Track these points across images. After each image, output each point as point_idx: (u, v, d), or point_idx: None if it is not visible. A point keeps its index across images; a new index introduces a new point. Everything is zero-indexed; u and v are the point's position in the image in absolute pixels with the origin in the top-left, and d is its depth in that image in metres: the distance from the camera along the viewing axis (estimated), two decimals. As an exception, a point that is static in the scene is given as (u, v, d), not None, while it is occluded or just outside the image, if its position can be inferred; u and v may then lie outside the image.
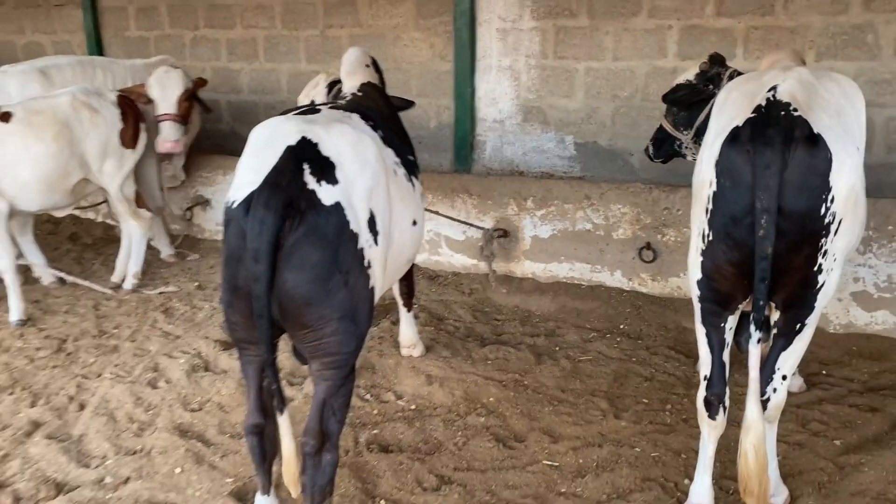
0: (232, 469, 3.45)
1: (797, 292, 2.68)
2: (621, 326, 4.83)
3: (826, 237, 2.58)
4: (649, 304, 5.00)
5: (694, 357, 3.85)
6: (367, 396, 4.08)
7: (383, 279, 2.94)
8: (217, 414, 3.91)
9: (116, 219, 5.71)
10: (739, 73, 3.81)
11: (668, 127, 4.23)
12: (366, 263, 2.71)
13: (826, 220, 2.56)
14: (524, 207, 5.43)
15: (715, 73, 3.99)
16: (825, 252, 2.61)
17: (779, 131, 2.52)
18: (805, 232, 2.56)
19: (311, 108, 3.17)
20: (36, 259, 5.61)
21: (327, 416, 2.71)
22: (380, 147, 3.00)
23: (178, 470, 3.45)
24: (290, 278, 2.50)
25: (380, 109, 3.70)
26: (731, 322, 2.83)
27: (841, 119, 2.67)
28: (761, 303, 2.54)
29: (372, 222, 2.75)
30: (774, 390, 2.83)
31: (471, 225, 5.54)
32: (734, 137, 2.63)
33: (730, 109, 2.78)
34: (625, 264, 5.18)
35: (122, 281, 5.58)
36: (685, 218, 4.89)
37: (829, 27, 5.08)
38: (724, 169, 2.64)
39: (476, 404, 3.97)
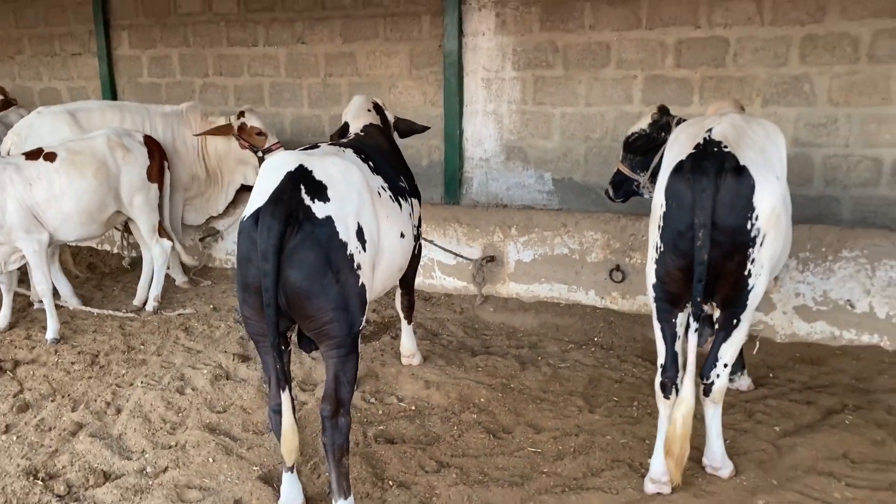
0: (258, 459, 3.94)
1: (732, 293, 3.32)
2: (595, 339, 5.45)
3: (753, 248, 3.23)
4: (620, 320, 5.63)
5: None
6: (372, 399, 4.62)
7: (374, 280, 3.55)
8: (241, 415, 4.42)
9: (140, 246, 6.28)
10: (683, 120, 4.45)
11: (625, 170, 4.88)
12: (355, 266, 3.29)
13: (752, 234, 3.21)
14: (508, 235, 6.08)
15: (664, 121, 4.65)
16: (753, 260, 3.25)
17: (712, 163, 3.18)
18: (735, 243, 3.21)
19: (314, 145, 3.85)
20: (63, 285, 6.15)
21: (339, 386, 3.29)
22: (366, 174, 3.64)
23: (210, 460, 3.91)
24: (292, 275, 3.11)
25: (378, 145, 4.35)
26: (681, 318, 3.45)
27: (763, 154, 3.35)
28: (698, 299, 3.18)
29: (360, 233, 3.35)
30: (718, 376, 3.44)
31: (463, 257, 6.15)
32: (679, 169, 3.30)
33: (677, 147, 3.45)
34: (598, 284, 5.82)
35: (144, 304, 6.12)
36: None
37: (772, 77, 5.83)
38: (671, 193, 3.30)
39: (469, 404, 4.52)
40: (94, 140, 5.67)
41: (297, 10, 7.48)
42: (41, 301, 5.80)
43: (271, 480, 3.75)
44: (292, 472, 3.50)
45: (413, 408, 4.52)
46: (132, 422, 4.33)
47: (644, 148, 4.69)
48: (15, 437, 4.20)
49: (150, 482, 3.78)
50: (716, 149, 3.25)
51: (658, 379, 3.49)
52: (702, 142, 3.30)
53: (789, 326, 5.23)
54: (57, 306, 5.72)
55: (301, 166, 3.32)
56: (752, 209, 3.19)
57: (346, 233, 3.28)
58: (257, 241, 3.10)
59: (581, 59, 6.42)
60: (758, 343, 5.16)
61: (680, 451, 3.32)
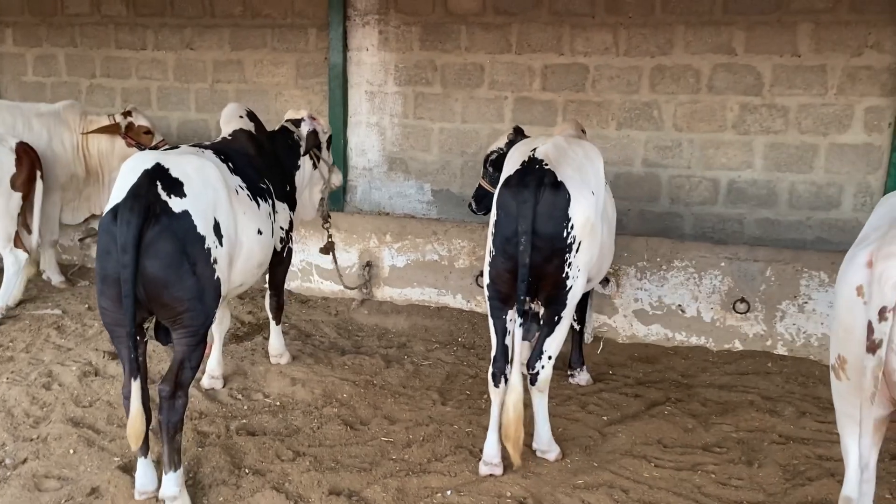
0: (119, 450, 4.07)
1: (552, 293, 3.74)
2: (459, 339, 5.83)
3: (569, 253, 3.66)
4: (483, 321, 6.01)
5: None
6: (239, 396, 4.81)
7: (232, 273, 3.82)
8: (106, 409, 4.52)
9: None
10: None
11: (485, 185, 5.31)
12: (212, 259, 3.55)
13: (568, 241, 3.65)
14: (384, 241, 6.41)
15: (519, 140, 5.08)
16: (570, 263, 3.68)
17: (532, 178, 3.60)
18: (554, 248, 3.63)
19: (174, 146, 4.10)
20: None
21: (183, 370, 3.54)
22: (224, 173, 3.88)
23: (71, 451, 4.02)
24: (150, 265, 3.32)
25: (243, 149, 4.54)
26: (511, 315, 3.83)
27: (581, 172, 3.80)
28: (522, 297, 3.57)
29: (217, 228, 3.61)
30: (542, 367, 3.85)
31: (346, 287, 6.23)
32: (506, 183, 3.71)
33: (509, 165, 3.87)
34: (464, 289, 6.23)
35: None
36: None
37: (625, 103, 6.40)
38: (500, 204, 3.71)
39: (332, 399, 4.79)
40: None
41: (187, 16, 7.61)
42: None
43: (131, 470, 3.87)
44: (146, 458, 3.67)
45: (278, 403, 4.75)
46: (-6, 416, 4.39)
47: (501, 165, 5.09)
48: None
49: (8, 473, 3.85)
50: (537, 166, 3.67)
51: (490, 369, 3.87)
52: (527, 160, 3.72)
53: (630, 328, 5.77)
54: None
55: (158, 164, 3.54)
56: (568, 219, 3.62)
57: (204, 227, 3.53)
58: (116, 234, 3.28)
59: (458, 79, 6.84)
60: (602, 343, 5.70)
61: (515, 433, 3.66)
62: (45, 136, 6.39)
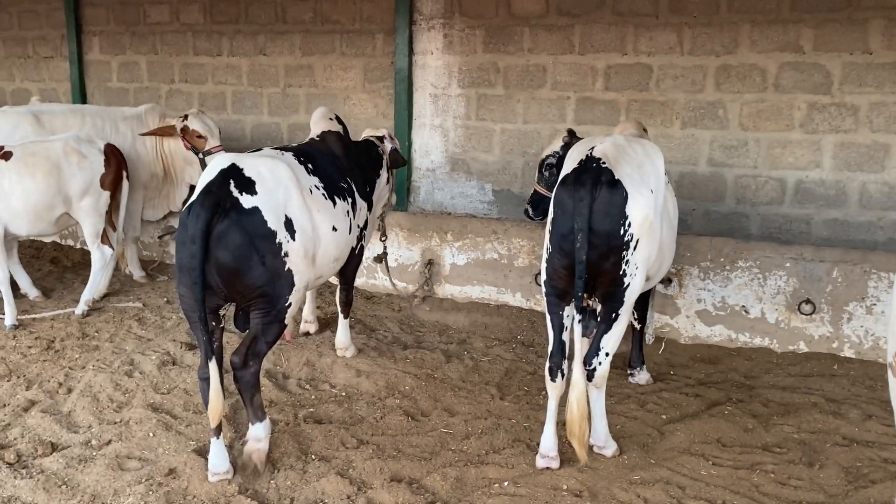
0: (195, 435, 4.31)
1: (609, 290, 3.79)
2: (518, 337, 5.92)
3: (626, 251, 3.71)
4: (542, 319, 6.07)
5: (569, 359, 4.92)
6: (307, 386, 5.03)
7: (307, 266, 4.07)
8: (183, 396, 4.80)
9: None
10: None
11: (541, 190, 5.37)
12: (283, 252, 3.85)
13: (625, 238, 3.70)
14: (445, 240, 6.55)
15: (574, 143, 5.11)
16: (627, 261, 3.73)
17: (589, 176, 3.67)
18: (610, 246, 3.68)
19: (257, 149, 4.45)
20: (22, 277, 6.50)
21: (256, 342, 3.89)
22: (298, 174, 4.19)
23: (150, 434, 4.28)
24: (221, 255, 3.66)
25: (330, 150, 4.89)
26: (568, 311, 3.90)
27: (640, 170, 3.84)
28: (579, 294, 3.64)
29: (289, 224, 3.91)
30: (600, 363, 3.90)
31: (397, 291, 6.53)
32: (564, 182, 3.78)
33: (567, 164, 3.94)
34: (523, 287, 6.30)
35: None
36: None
37: (690, 102, 6.36)
38: (557, 202, 3.78)
39: (394, 391, 4.94)
40: (51, 143, 5.97)
41: (260, 23, 7.92)
42: None
43: (205, 453, 4.08)
44: (219, 439, 3.88)
45: (343, 394, 4.93)
46: (81, 400, 4.68)
47: (557, 168, 5.17)
48: (-30, 413, 4.54)
49: (94, 453, 4.12)
50: (594, 164, 3.73)
51: (547, 364, 3.95)
52: (584, 158, 3.79)
53: (692, 329, 5.74)
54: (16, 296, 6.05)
55: (233, 164, 3.89)
56: (626, 217, 3.67)
57: (275, 222, 3.83)
58: (188, 227, 3.63)
59: (520, 80, 6.92)
60: (664, 344, 5.69)
61: (579, 430, 3.73)
62: (129, 138, 6.78)
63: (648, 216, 3.74)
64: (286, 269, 3.88)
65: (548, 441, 3.99)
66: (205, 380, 3.75)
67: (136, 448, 4.18)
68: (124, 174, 6.28)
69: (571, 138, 5.17)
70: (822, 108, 5.99)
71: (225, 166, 3.85)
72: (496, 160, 7.15)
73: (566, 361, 3.91)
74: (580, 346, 3.76)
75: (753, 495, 3.74)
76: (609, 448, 4.11)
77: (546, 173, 5.33)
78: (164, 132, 6.74)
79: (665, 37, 6.36)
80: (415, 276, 6.66)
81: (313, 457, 4.12)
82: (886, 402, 4.69)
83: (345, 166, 4.85)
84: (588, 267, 3.63)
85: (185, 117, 6.72)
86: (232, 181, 3.78)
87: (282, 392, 4.89)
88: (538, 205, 5.42)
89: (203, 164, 6.70)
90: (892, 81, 5.77)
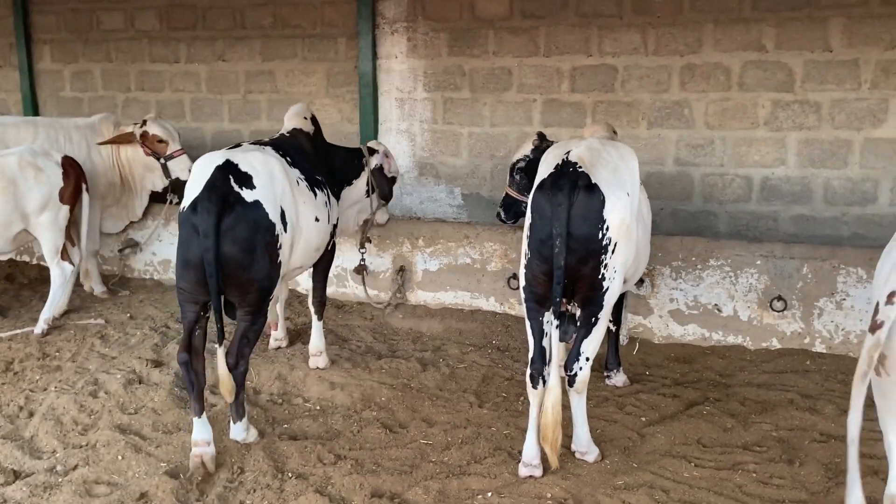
0: (166, 456, 4.15)
1: (589, 294, 3.76)
2: (493, 342, 5.86)
3: (605, 254, 3.68)
4: (516, 324, 6.06)
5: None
6: (279, 401, 4.90)
7: (292, 257, 4.29)
8: (151, 416, 4.62)
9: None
10: None
11: (513, 193, 5.37)
12: (278, 245, 4.01)
13: (604, 243, 3.66)
14: (416, 246, 6.47)
15: (545, 146, 5.08)
16: (606, 265, 3.70)
17: (566, 181, 3.63)
18: (589, 250, 3.65)
19: (236, 144, 4.50)
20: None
21: (244, 343, 4.04)
22: (284, 166, 4.28)
23: (119, 457, 4.10)
24: (229, 249, 3.76)
25: (300, 146, 4.95)
26: (548, 317, 3.86)
27: (616, 173, 3.81)
28: (558, 299, 3.60)
29: (283, 216, 4.05)
30: (580, 368, 3.87)
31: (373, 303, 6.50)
32: (541, 186, 3.74)
33: (542, 168, 3.90)
34: (497, 291, 6.26)
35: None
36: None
37: (655, 102, 6.39)
38: (535, 207, 3.74)
39: (370, 403, 4.84)
40: (5, 158, 5.72)
41: (218, 29, 7.76)
42: None
43: (177, 475, 3.97)
44: (201, 417, 4.01)
45: (318, 408, 4.81)
46: (44, 424, 4.48)
47: (528, 172, 5.15)
48: (-75, 440, 4.32)
49: (60, 479, 3.93)
50: (571, 169, 3.70)
51: (528, 371, 3.90)
52: (560, 163, 3.75)
53: (665, 329, 5.75)
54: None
55: (228, 160, 3.97)
56: (603, 221, 3.64)
57: (274, 214, 3.98)
58: (197, 223, 3.71)
59: (486, 83, 6.88)
60: (637, 344, 5.69)
61: (553, 435, 3.69)
62: (84, 149, 6.57)
63: (625, 219, 3.72)
64: (278, 260, 4.04)
65: (530, 449, 3.94)
66: (183, 364, 3.96)
67: (105, 472, 4.01)
68: (84, 187, 6.07)
69: (542, 142, 5.15)
70: (786, 106, 6.07)
71: (220, 162, 3.91)
72: (464, 164, 7.10)
73: (547, 367, 3.86)
74: (557, 352, 3.71)
75: (737, 496, 3.74)
76: (591, 453, 4.07)
77: (517, 177, 5.31)
78: (123, 140, 6.57)
79: (629, 37, 6.38)
80: (387, 283, 6.57)
81: (290, 474, 4.00)
82: (860, 397, 4.78)
83: (315, 163, 4.93)
84: (567, 272, 3.59)
85: (144, 123, 6.56)
86: (231, 176, 3.86)
87: (253, 407, 4.75)
88: (510, 208, 5.44)
89: (165, 170, 6.55)
90: (852, 78, 5.87)
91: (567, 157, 3.76)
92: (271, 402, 4.87)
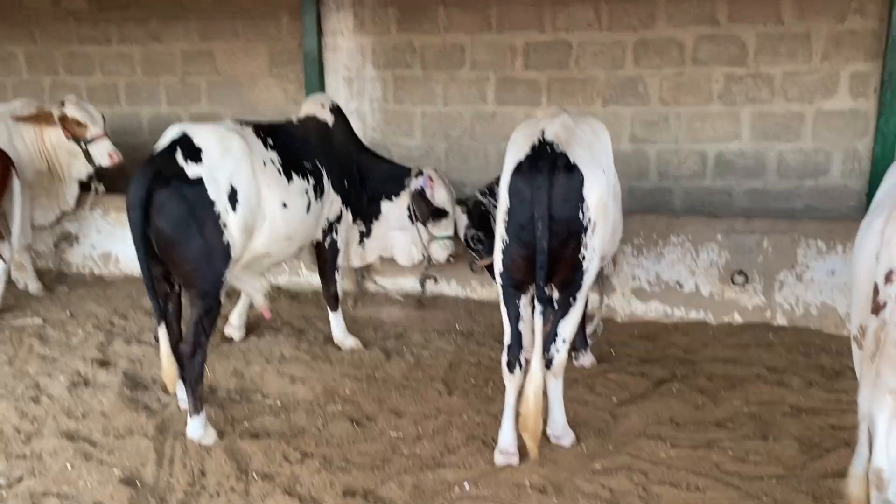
0: (119, 462, 3.89)
1: (569, 276, 3.65)
2: (457, 327, 5.73)
3: (585, 234, 3.57)
4: (479, 308, 5.95)
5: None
6: (237, 398, 4.68)
7: (253, 241, 4.18)
8: (100, 420, 4.34)
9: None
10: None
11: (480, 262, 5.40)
12: (221, 224, 3.89)
13: (584, 223, 3.55)
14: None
15: (476, 209, 5.37)
16: (586, 245, 3.60)
17: (546, 163, 3.50)
18: (570, 232, 3.53)
19: (223, 123, 4.39)
20: None
21: (199, 331, 3.95)
22: (253, 146, 4.22)
23: (69, 466, 3.84)
24: (160, 224, 3.72)
25: (300, 133, 4.88)
26: (524, 301, 3.75)
27: (591, 151, 3.70)
28: (541, 284, 3.48)
29: (233, 195, 3.94)
30: (557, 351, 3.77)
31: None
32: (518, 169, 3.59)
33: (515, 149, 3.74)
34: (458, 275, 6.11)
35: None
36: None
37: (610, 79, 6.32)
38: (513, 191, 3.59)
39: (334, 396, 4.65)
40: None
41: (152, 7, 7.33)
42: None
43: (133, 483, 3.75)
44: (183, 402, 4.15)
45: (279, 403, 4.60)
46: (-18, 435, 4.19)
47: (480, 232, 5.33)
48: None
49: (4, 494, 3.68)
50: (549, 149, 3.56)
51: (504, 357, 3.78)
52: (536, 143, 3.61)
53: (628, 307, 5.72)
54: None
55: (184, 133, 3.95)
56: (583, 200, 3.53)
57: (216, 192, 3.86)
58: (130, 197, 3.71)
59: (438, 60, 6.70)
60: (601, 323, 5.63)
61: (534, 424, 3.57)
62: (5, 135, 6.12)
63: (602, 197, 3.61)
64: (224, 241, 3.91)
65: (507, 436, 3.84)
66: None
67: (53, 484, 3.74)
68: (13, 175, 5.65)
69: (472, 210, 5.39)
70: (739, 80, 6.07)
71: (176, 135, 3.92)
72: (418, 144, 6.91)
73: (523, 353, 3.75)
74: (540, 338, 3.60)
75: (716, 474, 3.71)
76: (567, 438, 4.00)
77: (477, 246, 5.42)
78: (41, 119, 6.16)
79: (583, 13, 6.28)
80: (343, 271, 6.34)
81: (255, 475, 3.81)
82: (824, 368, 4.84)
83: (317, 151, 4.82)
84: (548, 255, 3.47)
85: (62, 104, 6.16)
86: (180, 149, 3.84)
87: (210, 406, 4.51)
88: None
89: (87, 155, 6.17)
90: (803, 51, 5.91)
91: (543, 137, 3.62)
92: (229, 400, 4.64)
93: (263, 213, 4.20)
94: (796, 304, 5.40)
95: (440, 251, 5.56)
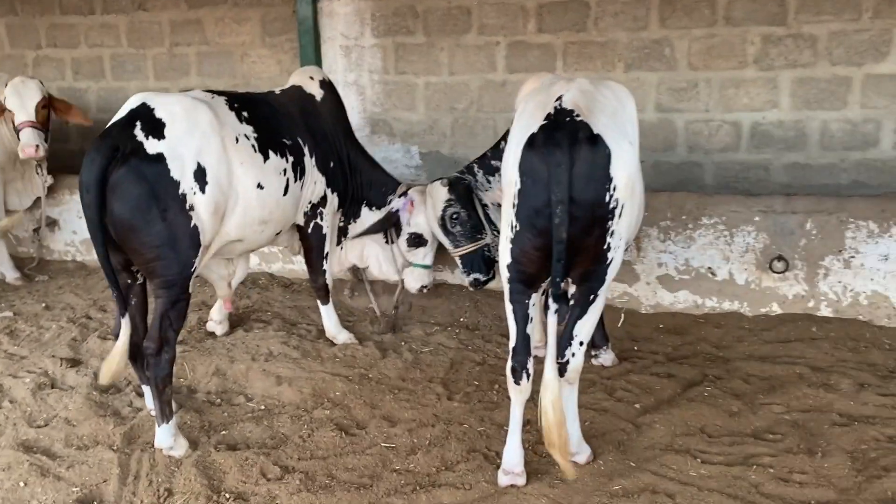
0: (78, 479, 3.51)
1: (591, 268, 3.10)
2: (461, 319, 5.23)
3: (612, 220, 3.01)
4: (486, 299, 5.41)
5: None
6: (217, 400, 4.23)
7: (226, 225, 3.76)
8: (64, 428, 3.93)
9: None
10: (462, 180, 4.74)
11: (465, 249, 4.76)
12: (187, 206, 3.48)
13: (611, 206, 2.99)
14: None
15: (459, 186, 4.67)
16: (612, 232, 3.04)
17: (565, 134, 2.93)
18: (595, 217, 2.97)
19: (188, 90, 4.03)
20: None
21: (165, 325, 3.53)
22: (224, 118, 3.79)
23: (21, 484, 3.46)
24: (116, 207, 3.31)
25: (280, 103, 4.41)
26: (535, 299, 3.23)
27: (615, 119, 3.13)
28: (557, 279, 2.94)
29: (200, 173, 3.51)
30: (573, 354, 3.23)
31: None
32: (531, 143, 3.02)
33: (526, 118, 3.17)
34: (464, 262, 5.58)
35: None
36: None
37: (633, 42, 5.71)
38: (525, 169, 3.02)
39: (323, 399, 4.20)
40: None
41: (136, -27, 6.83)
42: None
43: (91, 502, 3.35)
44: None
45: (262, 407, 4.17)
46: (-68, 445, 3.79)
47: (462, 214, 4.68)
48: None
49: (-56, 516, 3.30)
50: (567, 118, 3.00)
51: (509, 363, 3.26)
52: (552, 111, 3.05)
53: (653, 297, 5.16)
54: None
55: (144, 104, 3.52)
56: (610, 180, 2.96)
57: (181, 171, 3.45)
58: (82, 178, 3.31)
59: (442, 25, 6.13)
60: (623, 315, 5.09)
61: (559, 438, 3.05)
62: None
63: (632, 175, 3.05)
64: (191, 224, 3.50)
65: (512, 454, 3.34)
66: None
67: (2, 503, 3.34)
68: None
69: (454, 184, 4.67)
70: (778, 41, 5.45)
71: (135, 106, 3.51)
72: (421, 119, 6.36)
73: (531, 359, 3.23)
74: (554, 341, 3.07)
75: (754, 498, 3.19)
76: (582, 453, 3.48)
77: (454, 228, 4.70)
78: None
79: (602, -32, 5.66)
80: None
81: (227, 495, 3.37)
82: (876, 367, 4.27)
83: (298, 126, 4.38)
84: (568, 245, 2.92)
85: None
86: (139, 123, 3.42)
87: (186, 411, 4.07)
88: (476, 263, 4.76)
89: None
90: (852, 7, 5.27)
91: (560, 105, 3.05)
92: (208, 403, 4.20)
93: (237, 194, 3.78)
94: (843, 293, 4.79)
95: (413, 280, 5.04)
